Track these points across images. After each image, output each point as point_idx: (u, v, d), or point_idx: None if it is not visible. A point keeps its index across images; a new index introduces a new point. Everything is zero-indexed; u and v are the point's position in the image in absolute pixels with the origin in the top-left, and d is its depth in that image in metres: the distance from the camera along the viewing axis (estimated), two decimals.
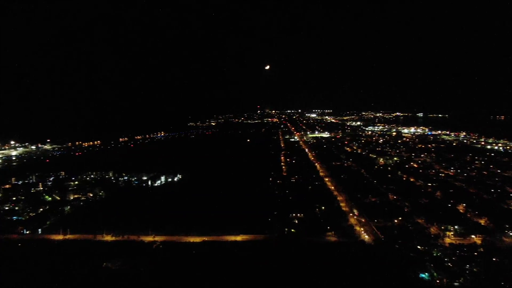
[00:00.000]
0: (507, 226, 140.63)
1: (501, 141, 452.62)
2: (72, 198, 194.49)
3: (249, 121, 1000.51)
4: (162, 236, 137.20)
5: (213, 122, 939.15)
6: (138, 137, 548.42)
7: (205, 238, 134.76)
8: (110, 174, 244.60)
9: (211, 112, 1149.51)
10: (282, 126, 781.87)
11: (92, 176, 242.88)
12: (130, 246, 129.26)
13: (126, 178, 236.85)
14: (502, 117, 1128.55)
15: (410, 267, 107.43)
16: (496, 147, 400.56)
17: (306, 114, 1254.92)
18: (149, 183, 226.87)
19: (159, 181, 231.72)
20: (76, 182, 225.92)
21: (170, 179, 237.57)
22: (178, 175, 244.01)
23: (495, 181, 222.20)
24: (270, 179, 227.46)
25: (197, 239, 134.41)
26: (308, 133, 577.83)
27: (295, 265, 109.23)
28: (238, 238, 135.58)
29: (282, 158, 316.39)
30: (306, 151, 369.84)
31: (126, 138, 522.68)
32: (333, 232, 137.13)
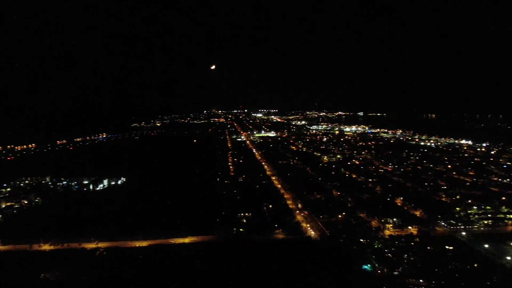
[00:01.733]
0: (439, 216, 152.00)
1: (433, 137, 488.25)
2: (3, 206, 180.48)
3: (195, 122, 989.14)
4: (105, 242, 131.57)
5: (158, 123, 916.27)
6: (78, 139, 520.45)
7: (152, 242, 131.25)
8: (47, 179, 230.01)
9: (156, 113, 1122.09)
10: (229, 126, 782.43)
11: (26, 182, 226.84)
12: (70, 255, 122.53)
13: (65, 183, 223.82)
14: (434, 115, 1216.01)
15: (354, 259, 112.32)
16: (428, 144, 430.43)
17: (253, 114, 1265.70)
18: (91, 187, 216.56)
19: (101, 185, 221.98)
20: (8, 189, 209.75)
21: (113, 183, 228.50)
22: (122, 178, 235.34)
23: (428, 175, 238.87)
24: (218, 179, 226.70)
25: (144, 244, 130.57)
26: (255, 132, 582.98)
27: (243, 264, 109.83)
28: (186, 240, 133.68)
29: (229, 158, 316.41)
30: (253, 150, 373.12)
31: (64, 141, 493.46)
32: (280, 230, 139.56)
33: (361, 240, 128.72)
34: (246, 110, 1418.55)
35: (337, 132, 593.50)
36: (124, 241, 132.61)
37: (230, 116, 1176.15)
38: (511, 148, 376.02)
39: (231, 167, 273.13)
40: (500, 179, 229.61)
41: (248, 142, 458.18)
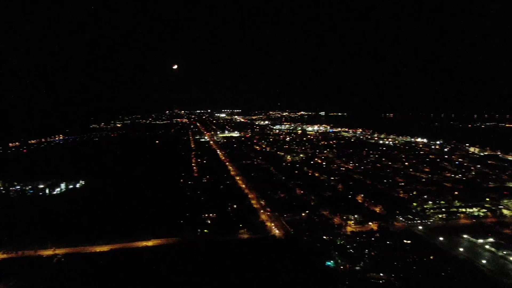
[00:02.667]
0: (397, 212, 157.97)
1: (391, 136, 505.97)
2: None
3: (157, 122, 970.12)
4: (63, 249, 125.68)
5: (119, 124, 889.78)
6: (33, 141, 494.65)
7: (113, 247, 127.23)
8: None
9: (116, 113, 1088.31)
10: (192, 126, 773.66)
11: None
12: (25, 263, 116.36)
13: (18, 187, 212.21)
14: (391, 115, 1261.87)
15: (317, 256, 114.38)
16: (387, 142, 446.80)
17: (216, 114, 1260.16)
18: (47, 191, 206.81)
19: (58, 189, 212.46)
20: None
21: (71, 186, 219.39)
22: (80, 181, 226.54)
23: (387, 173, 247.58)
24: (181, 180, 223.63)
25: (104, 248, 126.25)
26: (218, 133, 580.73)
27: (208, 266, 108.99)
28: (149, 243, 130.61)
29: (193, 158, 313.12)
30: (217, 151, 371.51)
31: (17, 143, 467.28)
32: (245, 230, 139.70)
33: (324, 237, 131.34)
34: (209, 110, 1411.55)
35: (299, 131, 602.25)
36: (83, 246, 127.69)
37: (193, 117, 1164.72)
38: (462, 145, 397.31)
39: (194, 167, 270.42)
40: (452, 175, 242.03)
41: (211, 142, 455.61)
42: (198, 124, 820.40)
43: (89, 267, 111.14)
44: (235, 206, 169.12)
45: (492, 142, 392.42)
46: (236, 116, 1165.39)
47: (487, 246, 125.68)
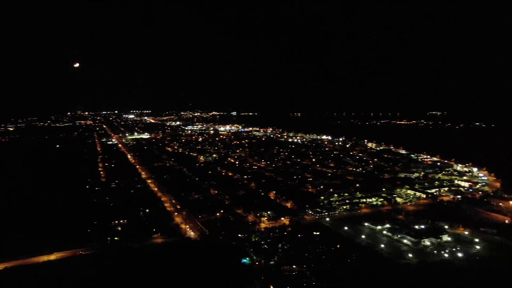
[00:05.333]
0: (307, 206, 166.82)
1: (299, 134, 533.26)
2: None
3: (57, 125, 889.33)
4: None
5: (11, 127, 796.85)
6: None
7: (9, 264, 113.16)
8: None
9: (7, 116, 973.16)
10: (97, 128, 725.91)
11: None
12: None
13: None
14: (299, 114, 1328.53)
15: (233, 255, 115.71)
16: (295, 140, 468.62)
17: (124, 115, 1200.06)
18: None
19: None
20: None
21: None
22: None
23: (296, 169, 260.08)
24: (87, 186, 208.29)
25: None
26: (127, 135, 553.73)
27: (120, 275, 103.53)
28: (52, 257, 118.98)
29: (99, 163, 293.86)
30: (126, 154, 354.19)
31: None
32: (159, 234, 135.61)
33: (239, 235, 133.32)
34: (116, 111, 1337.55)
35: (212, 131, 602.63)
36: None
37: (98, 118, 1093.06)
38: (362, 141, 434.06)
39: (102, 172, 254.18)
40: (354, 169, 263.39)
41: (120, 145, 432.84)
42: (104, 126, 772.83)
43: None
44: (147, 210, 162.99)
45: (386, 138, 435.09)
46: (146, 117, 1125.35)
47: (384, 232, 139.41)
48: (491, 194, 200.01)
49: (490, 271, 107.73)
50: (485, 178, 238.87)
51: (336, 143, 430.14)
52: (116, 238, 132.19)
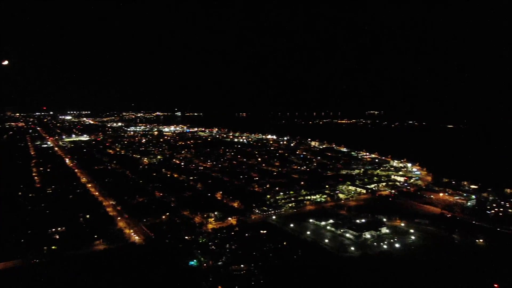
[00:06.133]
0: (254, 205, 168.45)
1: (245, 134, 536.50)
2: None
3: None
4: None
5: None
6: None
7: None
8: None
9: None
10: (30, 131, 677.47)
11: None
12: None
13: None
14: (244, 114, 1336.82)
15: (180, 258, 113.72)
16: (241, 140, 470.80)
17: (60, 117, 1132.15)
18: None
19: None
20: None
21: None
22: None
23: (242, 169, 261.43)
24: (20, 193, 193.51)
25: None
26: (64, 137, 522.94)
27: (56, 286, 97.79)
28: None
29: (33, 168, 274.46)
30: (64, 157, 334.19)
31: None
32: (101, 240, 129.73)
33: (186, 237, 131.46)
34: (52, 112, 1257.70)
35: (156, 132, 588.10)
36: None
37: (31, 120, 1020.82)
38: (305, 140, 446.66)
39: (36, 178, 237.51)
40: (298, 167, 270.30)
41: (56, 148, 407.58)
42: (38, 128, 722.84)
43: None
44: (88, 216, 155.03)
45: (328, 136, 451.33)
46: (84, 118, 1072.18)
47: (328, 227, 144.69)
48: (424, 187, 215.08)
49: (424, 259, 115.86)
50: (418, 172, 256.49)
51: (281, 143, 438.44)
52: (53, 247, 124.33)
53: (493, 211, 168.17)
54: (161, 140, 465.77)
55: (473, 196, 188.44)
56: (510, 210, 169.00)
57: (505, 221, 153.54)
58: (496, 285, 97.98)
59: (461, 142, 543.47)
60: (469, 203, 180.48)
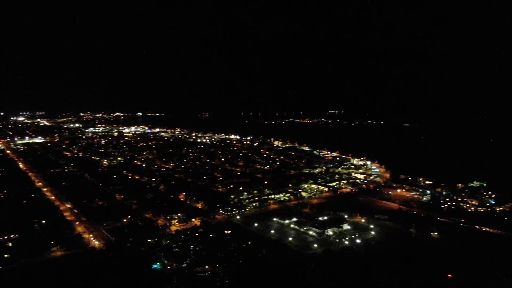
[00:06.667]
0: (218, 205, 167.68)
1: (208, 134, 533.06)
2: None
3: None
4: None
5: None
6: None
7: None
8: None
9: None
10: None
11: None
12: None
13: None
14: (207, 114, 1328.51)
15: (143, 261, 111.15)
16: (204, 140, 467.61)
17: (12, 118, 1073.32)
18: None
19: None
20: None
21: None
22: None
23: (206, 169, 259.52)
24: None
25: None
26: (16, 139, 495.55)
27: None
28: None
29: None
30: (16, 160, 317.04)
31: None
32: (58, 246, 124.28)
33: (149, 240, 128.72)
34: (2, 113, 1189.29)
35: (116, 133, 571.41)
36: None
37: None
38: (268, 139, 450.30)
39: None
40: (262, 167, 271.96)
41: (8, 151, 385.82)
42: None
43: None
44: (43, 221, 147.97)
45: (291, 136, 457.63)
46: (39, 119, 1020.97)
47: (292, 225, 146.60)
48: (383, 184, 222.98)
49: (383, 253, 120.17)
50: (377, 170, 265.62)
51: (244, 142, 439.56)
52: (6, 256, 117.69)
53: (446, 205, 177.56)
54: (122, 141, 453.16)
55: (428, 192, 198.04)
56: (461, 204, 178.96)
57: (457, 214, 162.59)
58: (449, 275, 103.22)
59: (416, 140, 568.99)
60: (424, 198, 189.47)
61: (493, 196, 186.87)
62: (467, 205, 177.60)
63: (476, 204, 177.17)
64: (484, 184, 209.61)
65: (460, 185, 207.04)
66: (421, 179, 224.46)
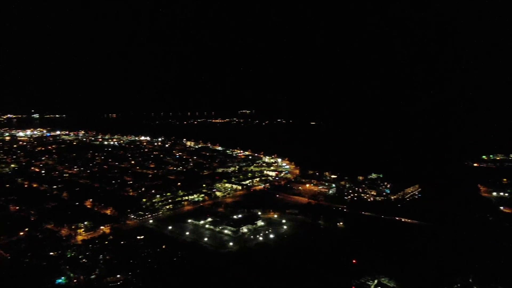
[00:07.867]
0: (129, 210, 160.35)
1: (116, 136, 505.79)
2: None
3: None
4: None
5: None
6: None
7: None
8: None
9: None
10: None
11: None
12: None
13: None
14: (114, 115, 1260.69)
15: (45, 277, 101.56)
16: (112, 142, 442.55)
17: None
18: None
19: None
20: None
21: None
22: None
23: (114, 173, 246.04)
24: None
25: None
26: None
27: None
28: None
29: None
30: None
31: None
32: None
33: (51, 253, 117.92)
34: None
35: (8, 138, 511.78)
36: None
37: None
38: (181, 140, 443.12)
39: None
40: (175, 168, 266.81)
41: None
42: None
43: None
44: None
45: (204, 136, 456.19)
46: None
47: (207, 226, 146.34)
48: (293, 180, 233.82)
49: (295, 245, 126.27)
50: (288, 167, 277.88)
51: (156, 144, 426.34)
52: None
53: (349, 197, 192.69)
54: (15, 146, 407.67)
55: (334, 185, 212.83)
56: (362, 195, 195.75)
57: (359, 204, 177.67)
58: (354, 261, 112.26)
59: (322, 137, 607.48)
60: (330, 191, 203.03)
61: (388, 186, 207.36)
62: (367, 195, 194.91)
63: (375, 194, 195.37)
64: (381, 176, 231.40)
65: (360, 178, 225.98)
66: (327, 173, 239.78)
